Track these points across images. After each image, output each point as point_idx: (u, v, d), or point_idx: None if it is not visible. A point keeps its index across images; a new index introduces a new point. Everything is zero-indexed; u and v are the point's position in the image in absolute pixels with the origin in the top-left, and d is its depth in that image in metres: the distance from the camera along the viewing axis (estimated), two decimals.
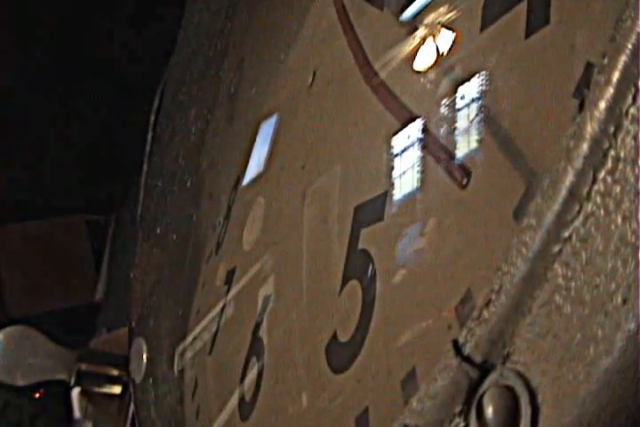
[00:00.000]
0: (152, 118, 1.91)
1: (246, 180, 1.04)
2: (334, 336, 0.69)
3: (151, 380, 1.07)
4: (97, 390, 1.51)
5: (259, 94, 1.07)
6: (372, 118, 0.75)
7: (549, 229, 0.38)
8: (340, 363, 0.66)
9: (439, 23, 0.66)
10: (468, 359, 0.41)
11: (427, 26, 0.68)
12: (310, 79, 0.94)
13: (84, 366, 1.50)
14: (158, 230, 1.03)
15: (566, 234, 0.37)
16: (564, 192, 0.37)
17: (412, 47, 0.70)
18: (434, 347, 0.54)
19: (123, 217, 2.19)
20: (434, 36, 0.66)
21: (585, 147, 0.37)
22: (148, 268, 1.09)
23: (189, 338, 1.13)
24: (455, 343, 0.42)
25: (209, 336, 1.03)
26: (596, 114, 0.37)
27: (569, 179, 0.37)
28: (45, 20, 1.75)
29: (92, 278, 2.19)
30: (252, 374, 0.86)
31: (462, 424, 0.41)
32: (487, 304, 0.40)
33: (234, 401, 0.89)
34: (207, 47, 1.00)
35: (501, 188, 0.52)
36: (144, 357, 1.11)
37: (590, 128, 0.37)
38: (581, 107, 0.38)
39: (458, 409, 0.41)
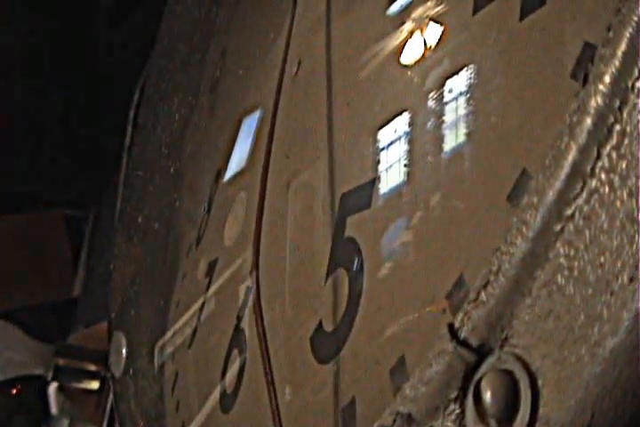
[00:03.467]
0: (131, 112, 1.90)
1: (228, 175, 1.02)
2: (319, 326, 0.67)
3: (131, 374, 1.05)
4: (74, 385, 1.49)
5: (242, 82, 1.05)
6: (358, 109, 0.74)
7: (551, 208, 0.36)
8: (326, 353, 0.65)
9: (427, 17, 0.65)
10: (464, 343, 0.39)
11: (414, 20, 0.66)
12: (295, 68, 0.92)
13: (61, 361, 1.48)
14: (139, 220, 1.01)
15: (569, 212, 0.36)
16: (566, 169, 0.36)
17: (399, 41, 0.68)
18: (424, 334, 0.52)
19: (101, 213, 2.17)
20: (421, 30, 0.65)
21: (589, 122, 0.36)
22: (128, 258, 1.07)
23: (170, 332, 1.11)
24: (451, 327, 0.40)
25: (190, 330, 1.02)
26: (601, 88, 0.36)
27: (572, 155, 0.36)
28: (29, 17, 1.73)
29: (69, 274, 2.16)
30: (233, 367, 0.85)
31: (458, 411, 0.40)
32: (485, 286, 0.39)
33: (215, 394, 0.87)
34: (192, 33, 0.98)
35: (494, 171, 0.51)
36: (123, 351, 1.08)
37: (594, 102, 0.36)
38: (585, 81, 0.37)
39: (453, 395, 0.40)
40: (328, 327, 0.65)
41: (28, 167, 1.99)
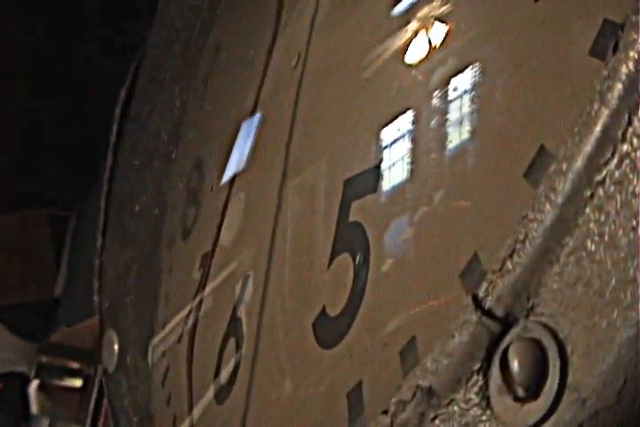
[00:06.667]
0: (117, 111, 1.88)
1: (227, 175, 0.99)
2: (323, 311, 0.66)
3: (124, 370, 1.04)
4: (57, 383, 1.48)
5: (236, 76, 1.04)
6: (362, 107, 0.73)
7: (581, 174, 0.36)
8: (330, 338, 0.64)
9: (432, 16, 0.64)
10: (488, 313, 0.39)
11: (420, 19, 0.65)
12: (295, 61, 0.92)
13: (44, 359, 1.46)
14: (137, 208, 1.00)
15: (599, 177, 0.36)
16: (597, 134, 0.36)
17: (403, 40, 0.67)
18: (436, 314, 0.52)
19: (84, 212, 2.16)
20: (427, 29, 0.64)
21: (620, 87, 0.35)
22: (121, 250, 1.06)
23: (161, 326, 1.10)
24: (475, 298, 0.40)
25: (183, 324, 1.00)
26: (632, 54, 0.36)
27: (603, 121, 0.36)
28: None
29: (52, 273, 2.15)
30: (229, 358, 0.84)
31: (481, 382, 0.39)
32: (511, 255, 0.39)
33: (210, 385, 0.86)
34: (194, 21, 0.97)
35: (510, 149, 0.50)
36: (115, 347, 1.07)
37: (626, 69, 0.36)
38: (615, 48, 0.37)
39: (476, 366, 0.39)
40: (332, 312, 0.65)
41: (13, 167, 1.97)
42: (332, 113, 0.79)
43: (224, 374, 0.84)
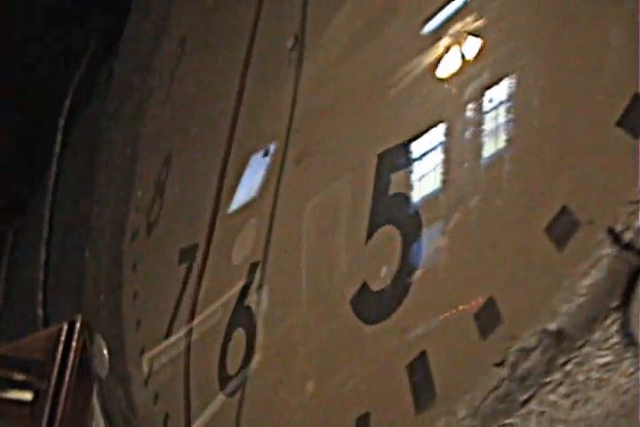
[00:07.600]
0: (61, 122, 1.84)
1: (235, 205, 0.95)
2: (363, 286, 0.64)
3: (116, 375, 1.00)
4: (4, 395, 1.43)
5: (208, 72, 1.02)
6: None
7: None
8: (376, 312, 0.61)
9: (465, 31, 0.63)
10: (627, 246, 0.38)
11: (451, 35, 0.64)
12: (291, 42, 0.90)
13: None
14: (134, 196, 0.95)
15: None
16: None
17: (435, 56, 0.66)
18: (518, 272, 0.50)
19: (24, 226, 2.10)
20: (459, 44, 0.63)
21: None
22: (98, 252, 1.01)
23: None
24: (611, 232, 0.38)
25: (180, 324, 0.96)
26: None
27: None
28: None
29: None
30: (236, 347, 0.80)
31: (621, 319, 0.38)
32: None
33: (213, 376, 0.82)
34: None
35: (598, 102, 0.49)
36: (105, 353, 1.04)
37: None
38: None
39: (615, 304, 0.38)
40: (376, 286, 0.62)
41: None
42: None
43: (232, 365, 0.80)
